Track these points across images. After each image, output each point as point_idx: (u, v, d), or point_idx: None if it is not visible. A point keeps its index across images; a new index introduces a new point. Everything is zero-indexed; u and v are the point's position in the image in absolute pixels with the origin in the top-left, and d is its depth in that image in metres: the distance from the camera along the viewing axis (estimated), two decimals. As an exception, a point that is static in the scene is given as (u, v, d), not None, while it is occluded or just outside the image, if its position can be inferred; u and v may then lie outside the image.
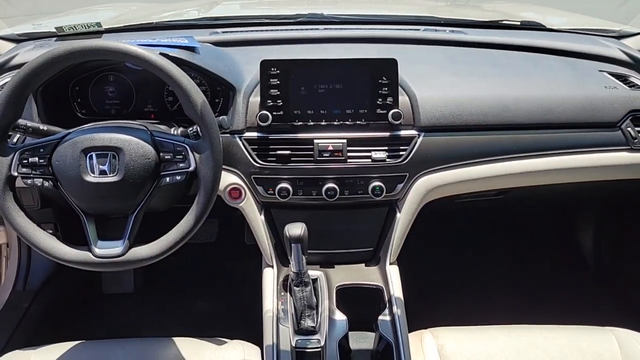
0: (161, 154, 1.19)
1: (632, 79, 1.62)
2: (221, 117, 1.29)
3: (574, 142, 1.49)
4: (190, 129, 1.22)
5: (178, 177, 1.19)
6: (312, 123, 1.38)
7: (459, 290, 2.18)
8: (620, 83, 1.59)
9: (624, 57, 1.70)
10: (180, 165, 1.19)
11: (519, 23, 1.93)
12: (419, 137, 1.40)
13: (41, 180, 1.18)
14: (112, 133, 1.18)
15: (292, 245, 1.20)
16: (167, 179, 1.20)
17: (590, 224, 2.35)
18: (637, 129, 1.51)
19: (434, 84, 1.48)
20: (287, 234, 1.20)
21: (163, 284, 2.25)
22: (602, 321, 1.44)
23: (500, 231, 2.39)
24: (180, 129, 1.31)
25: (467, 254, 2.36)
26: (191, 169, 1.18)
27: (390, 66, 1.38)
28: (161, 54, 1.22)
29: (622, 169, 1.53)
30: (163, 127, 1.33)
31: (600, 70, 1.65)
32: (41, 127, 1.23)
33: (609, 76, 1.62)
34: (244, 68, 1.47)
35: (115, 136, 1.18)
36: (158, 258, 1.19)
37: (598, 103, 1.50)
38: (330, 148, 1.37)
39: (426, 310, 1.56)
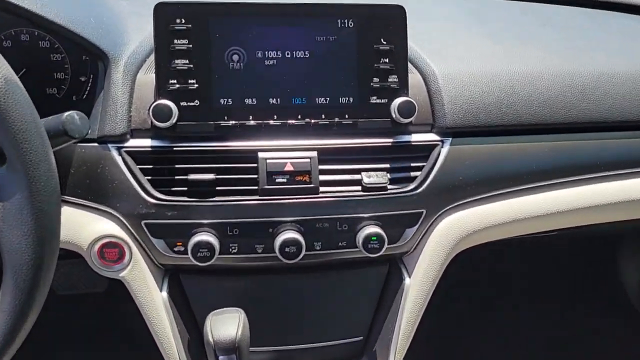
0: None
1: None
2: (66, 114, 0.72)
3: None
4: None
5: None
6: (253, 122, 0.86)
7: None
8: None
9: None
10: None
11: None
12: (443, 146, 0.92)
13: None
14: None
15: (221, 358, 0.78)
16: None
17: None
18: None
19: (461, 54, 1.01)
20: (211, 340, 0.75)
21: (38, 349, 1.61)
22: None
23: (537, 280, 1.80)
24: None
25: (494, 317, 1.74)
26: None
27: (393, 20, 0.89)
28: None
29: None
30: None
31: None
32: None
33: None
34: (129, 22, 0.95)
35: None
36: None
37: None
38: (289, 168, 0.87)
39: None
